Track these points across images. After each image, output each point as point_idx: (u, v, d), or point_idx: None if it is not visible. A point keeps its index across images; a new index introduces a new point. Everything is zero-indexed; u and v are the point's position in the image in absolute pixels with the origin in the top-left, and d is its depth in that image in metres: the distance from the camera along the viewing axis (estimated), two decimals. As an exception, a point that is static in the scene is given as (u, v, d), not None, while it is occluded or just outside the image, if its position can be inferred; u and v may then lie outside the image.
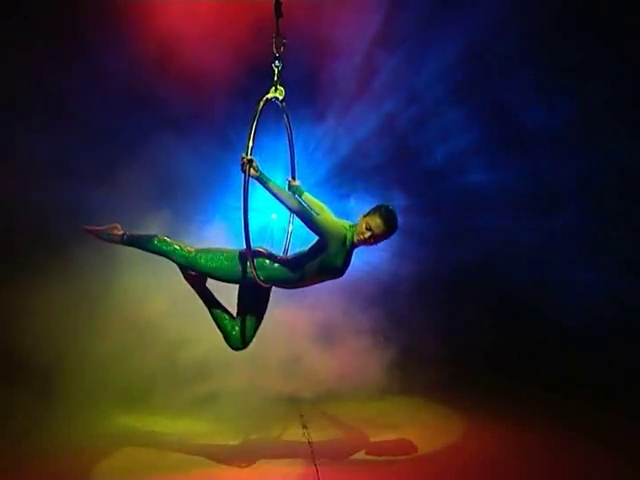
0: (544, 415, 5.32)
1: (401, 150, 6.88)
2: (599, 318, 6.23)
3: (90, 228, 4.06)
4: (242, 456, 4.48)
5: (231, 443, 4.81)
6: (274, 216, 6.24)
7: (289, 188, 4.30)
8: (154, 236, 3.99)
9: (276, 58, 3.94)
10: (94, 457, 4.35)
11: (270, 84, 3.98)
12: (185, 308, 5.76)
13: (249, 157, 3.60)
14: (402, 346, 6.18)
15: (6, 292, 5.32)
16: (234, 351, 4.10)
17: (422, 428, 5.11)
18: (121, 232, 4.02)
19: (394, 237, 3.90)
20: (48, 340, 5.24)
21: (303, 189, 4.30)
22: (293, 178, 4.37)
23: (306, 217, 3.82)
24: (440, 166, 6.90)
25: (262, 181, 3.69)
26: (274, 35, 3.91)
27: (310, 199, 4.25)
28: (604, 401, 5.53)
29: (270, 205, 6.03)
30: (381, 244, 3.92)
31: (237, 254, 3.91)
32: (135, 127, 6.05)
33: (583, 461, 4.40)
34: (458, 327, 6.67)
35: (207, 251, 3.94)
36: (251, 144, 3.62)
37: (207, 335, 5.67)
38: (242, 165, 3.61)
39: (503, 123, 6.63)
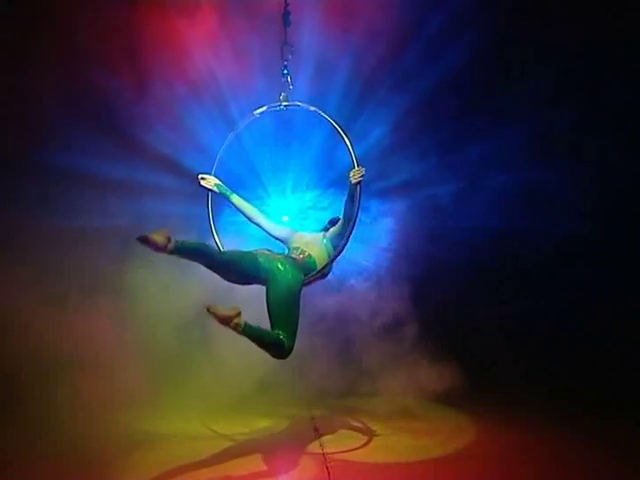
0: (557, 422, 5.25)
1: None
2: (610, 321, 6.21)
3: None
4: (253, 458, 4.49)
5: (241, 445, 4.81)
6: (285, 219, 6.28)
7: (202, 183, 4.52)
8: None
9: (284, 66, 4.02)
10: (105, 459, 4.37)
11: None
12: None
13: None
14: (414, 349, 6.14)
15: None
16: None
17: (434, 432, 5.11)
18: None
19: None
20: (57, 339, 5.28)
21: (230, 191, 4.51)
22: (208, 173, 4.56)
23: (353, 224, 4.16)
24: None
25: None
26: (282, 44, 3.97)
27: (242, 202, 4.50)
28: (621, 409, 5.43)
29: (281, 208, 6.11)
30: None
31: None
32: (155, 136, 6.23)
33: (597, 470, 4.32)
34: (471, 330, 6.64)
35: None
36: (354, 154, 3.98)
37: (217, 336, 5.76)
38: (359, 177, 3.95)
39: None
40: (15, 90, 5.81)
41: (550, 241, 6.64)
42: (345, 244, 4.11)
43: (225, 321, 3.56)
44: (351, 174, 4.02)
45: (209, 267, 3.95)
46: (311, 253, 4.33)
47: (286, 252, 4.40)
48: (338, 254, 4.22)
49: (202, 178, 4.54)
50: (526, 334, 6.57)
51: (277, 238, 4.58)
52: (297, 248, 4.37)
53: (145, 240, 3.47)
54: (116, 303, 5.66)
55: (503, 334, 6.56)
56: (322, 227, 4.67)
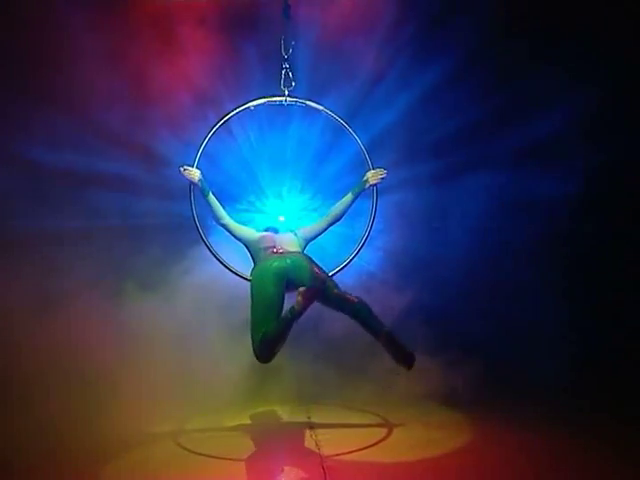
0: (557, 422, 5.18)
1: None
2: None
3: None
4: (248, 458, 4.47)
5: (237, 445, 4.77)
6: (281, 218, 6.26)
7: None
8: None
9: (284, 60, 4.00)
10: (102, 460, 4.35)
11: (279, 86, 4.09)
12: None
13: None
14: (414, 348, 6.12)
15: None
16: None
17: (433, 431, 5.06)
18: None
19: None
20: (53, 341, 5.27)
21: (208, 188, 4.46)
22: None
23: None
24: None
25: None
26: (283, 37, 3.96)
27: (215, 202, 4.46)
28: (622, 409, 5.38)
29: (278, 207, 6.07)
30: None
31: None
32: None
33: (597, 470, 4.24)
34: (472, 329, 6.54)
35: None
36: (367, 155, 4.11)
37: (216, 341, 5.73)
38: (379, 179, 4.06)
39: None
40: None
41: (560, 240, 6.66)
42: (360, 249, 4.17)
43: None
44: (370, 174, 4.03)
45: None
46: (291, 250, 4.29)
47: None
48: (351, 259, 4.25)
49: (184, 169, 4.43)
50: (527, 334, 6.57)
51: (241, 239, 4.51)
52: (270, 247, 4.31)
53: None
54: (113, 304, 5.66)
55: (505, 334, 6.53)
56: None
